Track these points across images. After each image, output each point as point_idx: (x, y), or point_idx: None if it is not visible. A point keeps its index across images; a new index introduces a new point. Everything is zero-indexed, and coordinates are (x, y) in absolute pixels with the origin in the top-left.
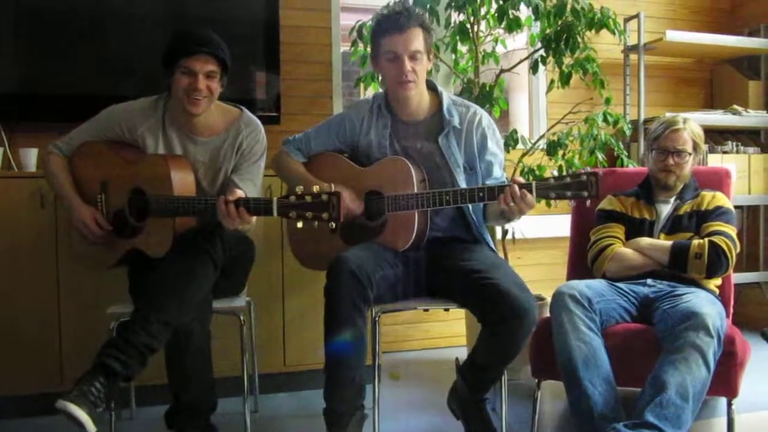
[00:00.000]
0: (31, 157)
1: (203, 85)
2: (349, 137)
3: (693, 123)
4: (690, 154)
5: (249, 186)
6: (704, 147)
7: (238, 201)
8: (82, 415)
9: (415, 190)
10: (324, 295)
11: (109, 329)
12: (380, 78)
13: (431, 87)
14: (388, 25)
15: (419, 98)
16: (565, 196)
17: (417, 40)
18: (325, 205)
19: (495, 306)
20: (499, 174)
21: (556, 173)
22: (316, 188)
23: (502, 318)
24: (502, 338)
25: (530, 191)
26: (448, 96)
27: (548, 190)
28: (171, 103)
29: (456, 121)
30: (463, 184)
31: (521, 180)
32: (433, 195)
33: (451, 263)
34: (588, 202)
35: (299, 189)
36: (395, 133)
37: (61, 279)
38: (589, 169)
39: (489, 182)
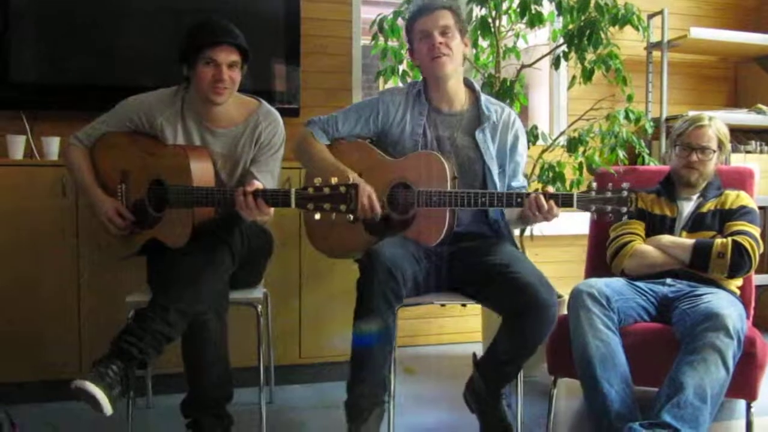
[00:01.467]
0: (53, 145)
1: (227, 76)
2: (381, 123)
3: (719, 121)
4: (714, 151)
5: (267, 178)
6: (729, 146)
7: (256, 192)
8: (99, 393)
9: (448, 188)
10: (357, 289)
11: (127, 318)
12: (402, 69)
13: (467, 84)
14: (418, 11)
15: (456, 86)
16: (604, 210)
17: (446, 18)
18: (342, 197)
19: (517, 299)
20: (521, 177)
21: (595, 186)
22: (334, 180)
23: (524, 311)
24: (523, 331)
25: (571, 202)
26: (483, 94)
27: (589, 203)
28: (190, 93)
29: (494, 118)
30: (497, 180)
31: (550, 189)
32: (468, 195)
33: (474, 258)
34: (624, 218)
35: (317, 180)
36: (430, 122)
37: (81, 267)
38: (628, 185)
39: (513, 184)
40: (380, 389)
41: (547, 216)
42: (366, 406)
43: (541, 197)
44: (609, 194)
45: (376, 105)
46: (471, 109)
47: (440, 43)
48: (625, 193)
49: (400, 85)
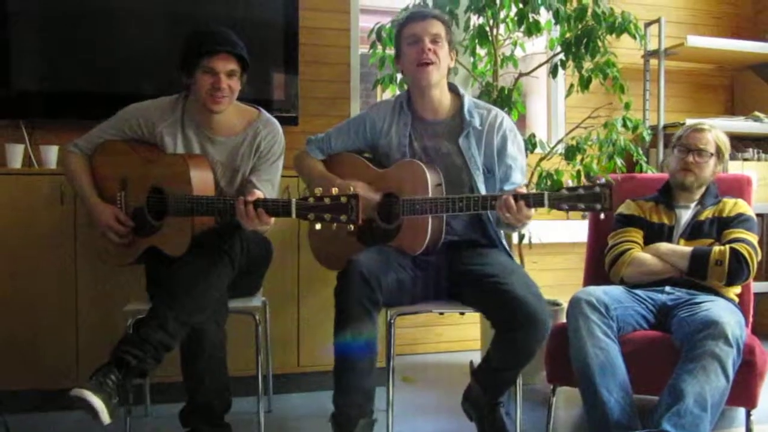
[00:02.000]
0: (51, 154)
1: (225, 84)
2: (369, 137)
3: (719, 131)
4: (711, 155)
5: (267, 187)
6: (727, 156)
7: (256, 202)
8: (97, 402)
9: (430, 195)
10: (334, 297)
11: (125, 326)
12: (399, 78)
13: (453, 90)
14: (410, 16)
15: (441, 95)
16: (577, 208)
17: (437, 27)
18: (343, 207)
19: (508, 313)
20: (519, 179)
21: (570, 183)
22: (334, 190)
23: (516, 325)
24: (515, 344)
25: (542, 201)
26: (469, 98)
27: (561, 201)
28: (190, 102)
29: (477, 123)
30: (482, 186)
31: (522, 191)
32: (446, 200)
33: (467, 268)
34: (602, 215)
35: (318, 191)
36: (415, 132)
37: (79, 275)
38: (603, 180)
39: (506, 187)
40: (366, 400)
41: (518, 217)
42: (352, 415)
43: (510, 198)
44: (581, 191)
45: (363, 119)
46: (455, 117)
47: (429, 49)
48: (597, 189)
49: (398, 92)
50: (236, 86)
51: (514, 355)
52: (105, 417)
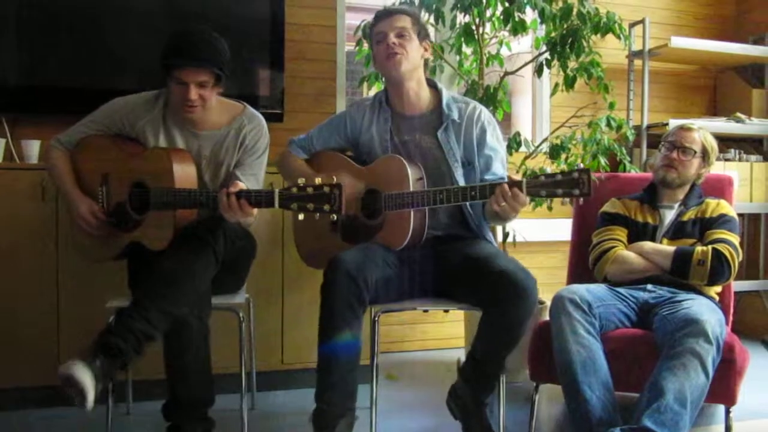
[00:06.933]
0: (33, 148)
1: (195, 95)
2: (350, 134)
3: (708, 133)
4: (695, 153)
5: (251, 181)
6: (713, 159)
7: (239, 193)
8: (87, 380)
9: (411, 189)
10: (321, 296)
11: (108, 323)
12: (375, 68)
13: (431, 84)
14: (376, 16)
15: (417, 88)
16: (556, 194)
17: (402, 21)
18: (326, 197)
19: (496, 287)
20: (500, 170)
21: (548, 170)
22: (318, 180)
23: (503, 298)
24: (503, 321)
25: (521, 188)
26: (447, 93)
27: (539, 188)
28: (172, 98)
29: (455, 115)
30: (461, 179)
31: (513, 178)
32: (427, 194)
33: (452, 257)
34: (581, 200)
35: (301, 181)
36: (395, 127)
37: (60, 271)
38: (581, 165)
39: (487, 177)
40: (347, 397)
41: (513, 204)
42: (334, 412)
43: (506, 186)
44: (559, 177)
45: (344, 118)
46: (434, 110)
47: (394, 43)
48: (576, 175)
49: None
50: (209, 95)
51: (501, 335)
52: (90, 398)
